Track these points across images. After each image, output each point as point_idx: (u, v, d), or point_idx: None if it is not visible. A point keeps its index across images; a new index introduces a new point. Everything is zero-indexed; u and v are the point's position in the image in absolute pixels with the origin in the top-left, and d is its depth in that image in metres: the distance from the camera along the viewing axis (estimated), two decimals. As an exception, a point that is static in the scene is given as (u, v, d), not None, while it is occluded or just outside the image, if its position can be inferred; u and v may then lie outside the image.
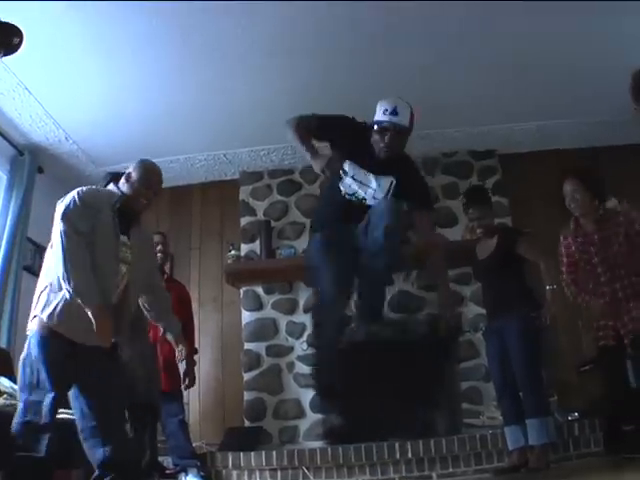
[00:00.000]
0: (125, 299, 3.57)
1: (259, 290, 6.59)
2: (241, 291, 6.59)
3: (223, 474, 5.23)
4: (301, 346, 6.32)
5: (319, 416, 5.86)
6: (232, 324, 6.55)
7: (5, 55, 3.02)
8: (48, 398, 3.27)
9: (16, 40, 2.92)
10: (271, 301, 6.56)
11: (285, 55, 5.18)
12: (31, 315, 3.44)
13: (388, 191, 3.70)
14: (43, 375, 3.29)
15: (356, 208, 3.75)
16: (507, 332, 4.62)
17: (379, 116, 3.79)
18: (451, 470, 5.05)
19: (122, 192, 3.55)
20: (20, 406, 3.34)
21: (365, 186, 3.72)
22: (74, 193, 3.37)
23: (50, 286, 3.36)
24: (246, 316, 6.51)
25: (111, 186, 3.61)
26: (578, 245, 4.50)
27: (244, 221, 6.86)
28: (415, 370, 5.27)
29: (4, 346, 5.16)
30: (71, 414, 3.54)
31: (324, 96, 5.66)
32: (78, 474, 3.92)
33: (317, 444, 5.42)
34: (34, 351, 3.34)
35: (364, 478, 5.06)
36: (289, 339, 6.37)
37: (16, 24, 2.94)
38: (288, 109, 5.83)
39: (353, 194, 3.74)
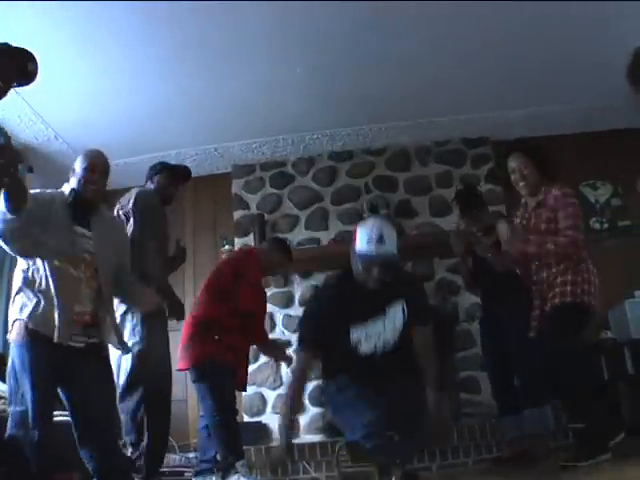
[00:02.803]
0: (99, 294, 3.59)
1: (254, 284, 6.56)
2: (235, 286, 6.57)
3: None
4: (298, 339, 6.32)
5: (318, 410, 5.88)
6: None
7: (19, 85, 2.92)
8: (32, 410, 3.28)
9: (30, 66, 2.84)
10: (267, 295, 6.52)
11: (275, 48, 5.15)
12: (10, 321, 3.45)
13: (403, 319, 3.48)
14: (27, 385, 3.30)
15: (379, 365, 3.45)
16: (505, 322, 4.59)
17: (363, 246, 3.39)
18: (451, 461, 5.07)
19: (73, 188, 3.60)
20: (11, 418, 3.35)
21: (378, 335, 3.46)
22: None
23: (24, 287, 3.41)
24: (242, 311, 6.49)
25: (65, 185, 3.67)
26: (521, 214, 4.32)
27: (237, 215, 6.84)
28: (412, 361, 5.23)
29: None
30: (67, 415, 3.54)
31: (315, 87, 5.68)
32: (78, 476, 3.89)
33: (317, 438, 5.42)
34: (17, 360, 3.34)
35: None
36: (286, 332, 6.36)
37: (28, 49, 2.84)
38: (278, 102, 5.88)
39: (374, 350, 3.46)
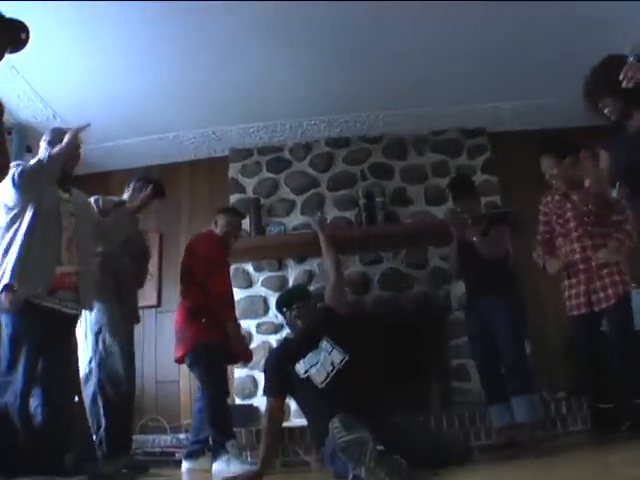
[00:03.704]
0: (80, 258, 3.85)
1: (249, 267, 6.60)
2: (231, 268, 6.58)
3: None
4: (291, 323, 6.36)
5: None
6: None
7: (12, 52, 3.04)
8: (22, 379, 3.42)
9: (23, 35, 2.92)
10: (261, 278, 6.58)
11: (275, 33, 5.15)
12: None
13: (332, 346, 4.04)
14: (20, 354, 3.44)
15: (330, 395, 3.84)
16: (491, 311, 4.65)
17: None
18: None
19: None
20: None
21: (321, 363, 3.97)
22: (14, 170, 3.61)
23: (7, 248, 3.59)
24: (236, 293, 6.49)
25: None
26: (555, 202, 4.55)
27: (233, 198, 6.84)
28: (405, 347, 5.34)
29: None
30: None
31: (313, 74, 5.68)
32: (73, 456, 3.93)
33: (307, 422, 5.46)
34: (10, 329, 3.48)
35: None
36: (279, 316, 6.35)
37: (21, 19, 2.92)
38: (278, 86, 5.87)
39: (327, 377, 3.91)
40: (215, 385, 4.69)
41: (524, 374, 4.51)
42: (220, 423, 4.61)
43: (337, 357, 3.94)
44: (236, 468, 4.30)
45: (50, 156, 3.64)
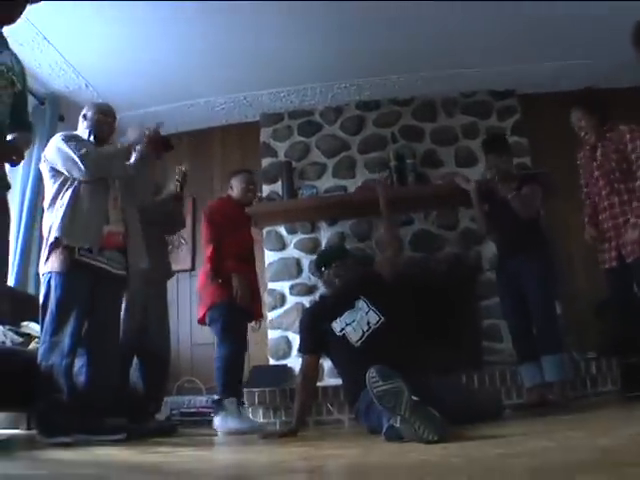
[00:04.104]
0: (128, 219, 4.03)
1: (281, 230, 6.66)
2: (264, 232, 6.65)
3: (250, 411, 5.37)
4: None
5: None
6: (256, 264, 6.61)
7: (33, 2, 3.16)
8: (70, 339, 3.55)
9: None
10: (294, 241, 6.63)
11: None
12: (43, 255, 3.68)
13: (368, 307, 4.09)
14: (69, 315, 3.56)
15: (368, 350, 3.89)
16: (522, 271, 4.68)
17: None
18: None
19: (90, 130, 4.07)
20: (43, 347, 3.57)
21: (357, 321, 4.02)
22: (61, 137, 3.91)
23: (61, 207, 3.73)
24: (269, 256, 6.60)
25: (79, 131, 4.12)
26: (585, 160, 4.59)
27: (265, 162, 6.91)
28: (437, 308, 5.40)
29: (33, 293, 5.30)
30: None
31: (343, 38, 5.67)
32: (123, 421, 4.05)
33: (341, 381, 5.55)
34: (59, 290, 3.57)
35: (386, 415, 5.17)
36: (312, 278, 6.44)
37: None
38: (307, 50, 5.87)
39: (362, 335, 3.98)
40: (230, 343, 4.85)
41: (554, 334, 4.56)
42: (227, 380, 4.79)
43: (373, 318, 4.02)
44: (234, 424, 4.58)
45: (121, 150, 3.97)
